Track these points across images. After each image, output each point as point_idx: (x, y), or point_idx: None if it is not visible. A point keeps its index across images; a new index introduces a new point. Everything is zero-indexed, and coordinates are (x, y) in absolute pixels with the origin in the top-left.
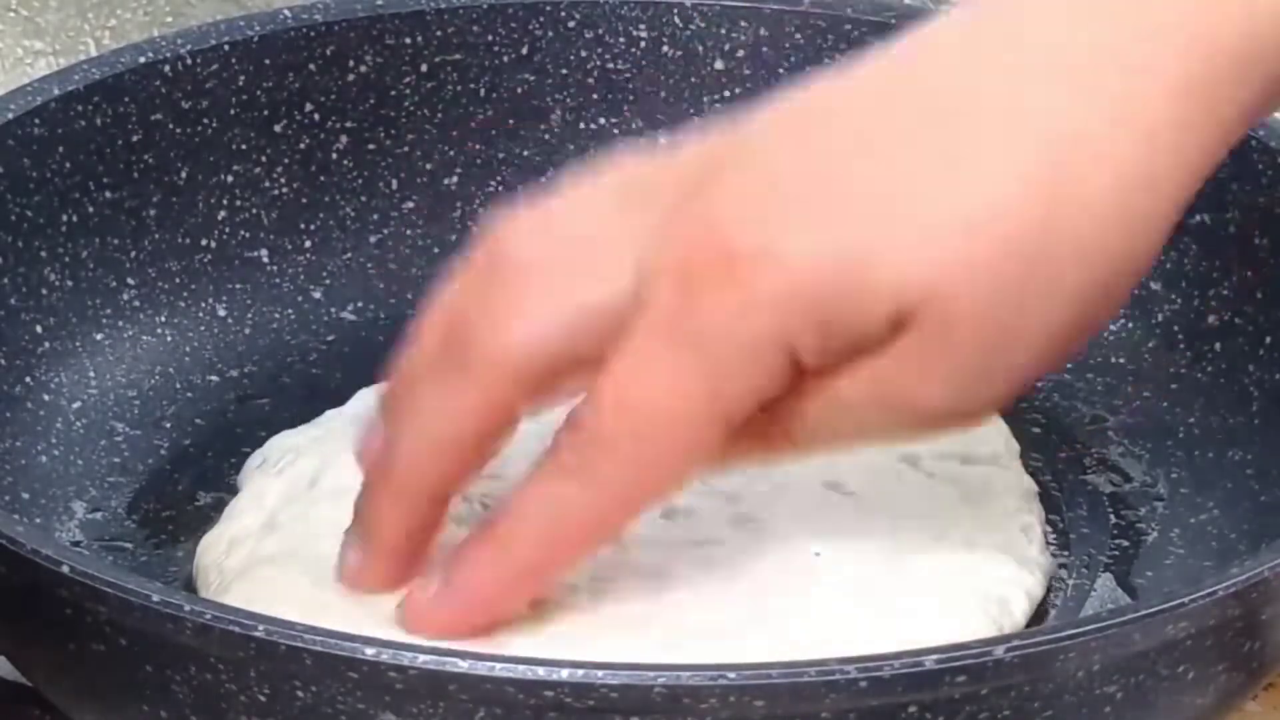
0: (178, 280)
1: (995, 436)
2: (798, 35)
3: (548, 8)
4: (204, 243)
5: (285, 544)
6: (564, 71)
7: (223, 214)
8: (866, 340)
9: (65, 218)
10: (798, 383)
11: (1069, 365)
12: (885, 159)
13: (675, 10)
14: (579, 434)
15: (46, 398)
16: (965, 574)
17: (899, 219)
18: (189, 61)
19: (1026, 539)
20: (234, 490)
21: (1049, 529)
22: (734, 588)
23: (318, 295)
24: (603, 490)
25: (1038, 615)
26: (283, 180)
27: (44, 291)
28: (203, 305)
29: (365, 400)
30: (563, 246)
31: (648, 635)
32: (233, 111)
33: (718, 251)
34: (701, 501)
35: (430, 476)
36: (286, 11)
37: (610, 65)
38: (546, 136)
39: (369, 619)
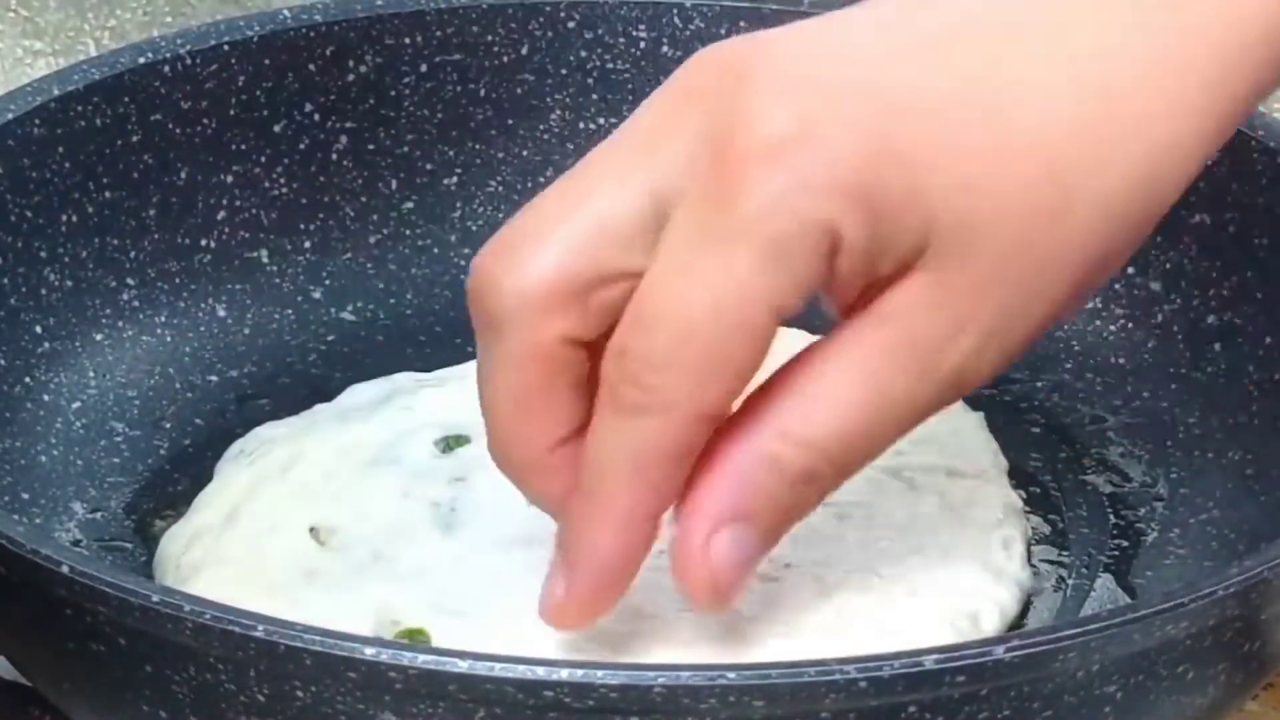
0: (178, 280)
1: (983, 452)
2: None
3: (547, 8)
4: (204, 243)
5: (242, 542)
6: (563, 71)
7: (223, 214)
8: (902, 249)
9: (65, 218)
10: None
11: (1069, 365)
12: (927, 68)
13: (675, 10)
14: (631, 362)
15: (46, 398)
16: (936, 586)
17: (941, 128)
18: (189, 61)
19: (1006, 553)
20: None
21: (1048, 530)
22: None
23: (318, 295)
24: (676, 412)
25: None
26: (283, 180)
27: (44, 291)
28: (203, 305)
29: (356, 395)
30: (570, 179)
31: (622, 652)
32: (233, 111)
33: (756, 138)
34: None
35: (526, 445)
36: (286, 11)
37: (610, 65)
38: (546, 136)
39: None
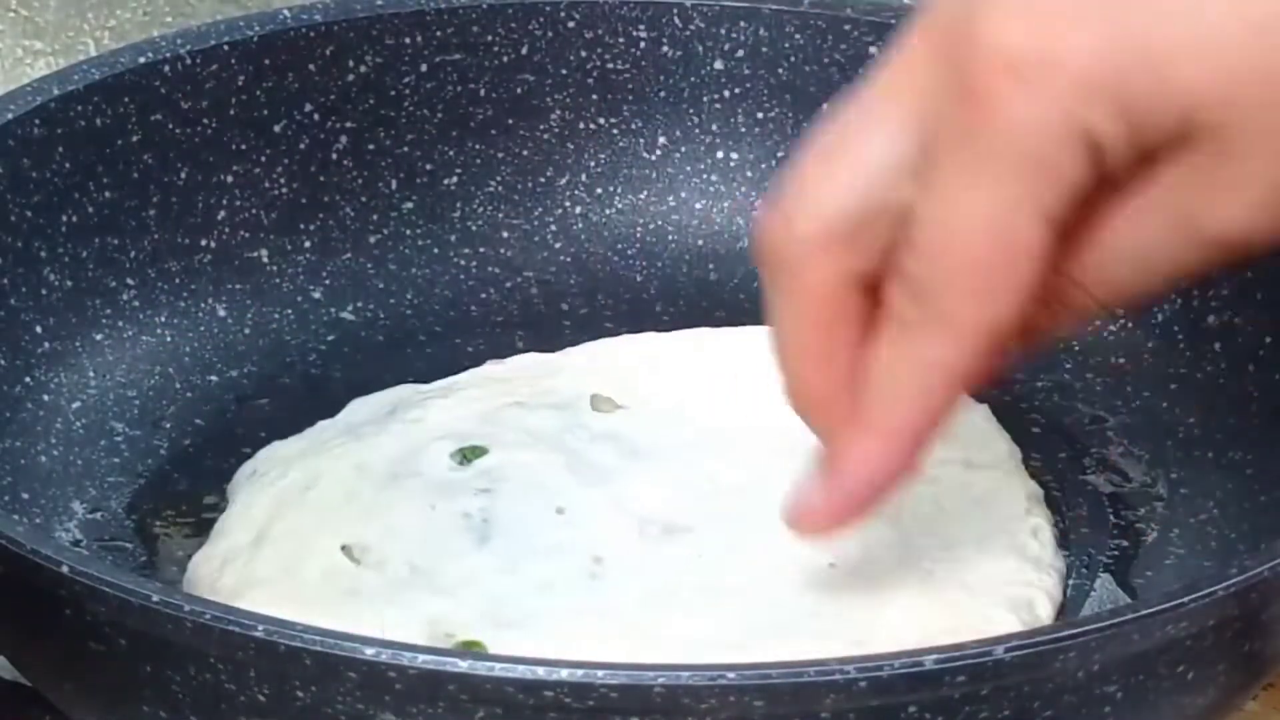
0: (178, 280)
1: (997, 441)
2: (797, 35)
3: (547, 8)
4: (204, 243)
5: (276, 563)
6: (563, 71)
7: (223, 214)
8: (1163, 138)
9: (65, 218)
10: (1097, 200)
11: (1069, 365)
12: None
13: (675, 10)
14: (911, 284)
15: (46, 398)
16: (987, 580)
17: (1189, 18)
18: (189, 61)
19: (1039, 542)
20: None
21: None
22: (750, 602)
23: (318, 295)
24: (958, 331)
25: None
26: (283, 180)
27: (44, 291)
28: (203, 305)
29: (357, 411)
30: (835, 128)
31: (662, 654)
32: (233, 111)
33: (998, 63)
34: (703, 519)
35: (818, 382)
36: (286, 11)
37: (610, 65)
38: (546, 136)
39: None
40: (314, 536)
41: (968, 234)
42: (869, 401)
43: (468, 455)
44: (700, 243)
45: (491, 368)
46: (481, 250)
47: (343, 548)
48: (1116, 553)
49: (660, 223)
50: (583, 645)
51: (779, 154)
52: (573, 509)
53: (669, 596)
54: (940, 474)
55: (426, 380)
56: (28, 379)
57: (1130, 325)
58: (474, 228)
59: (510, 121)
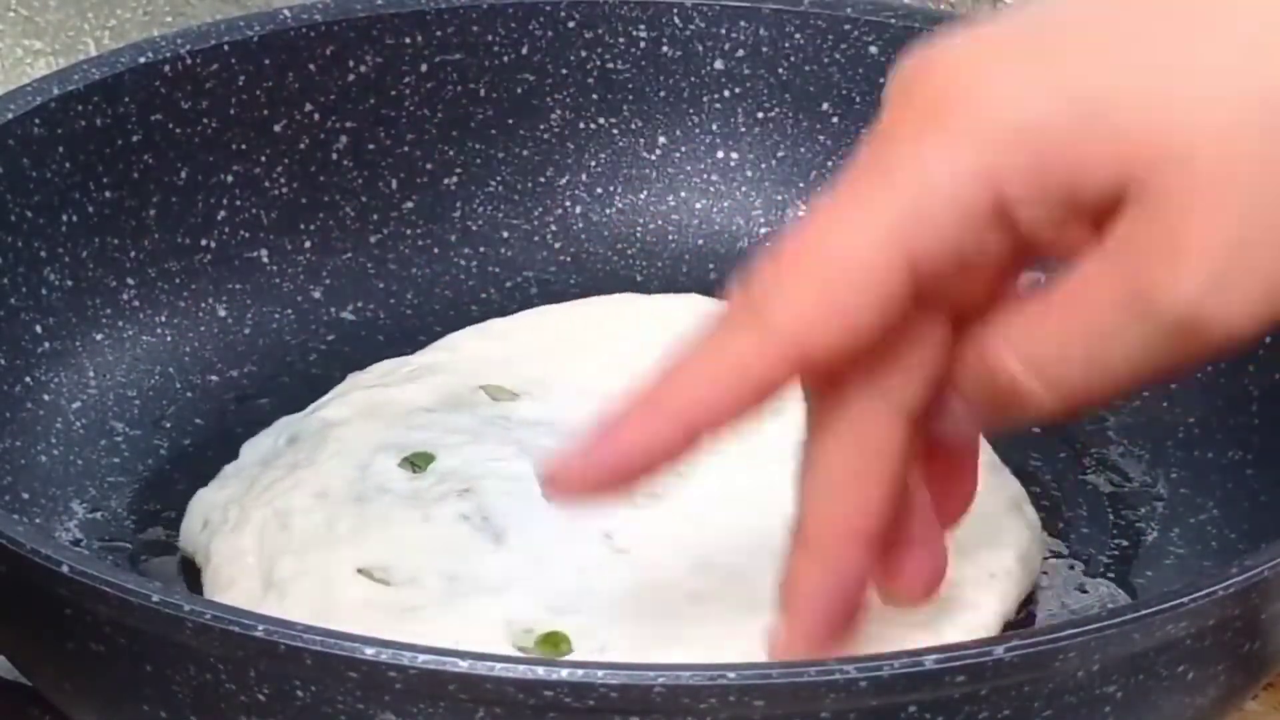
0: (178, 280)
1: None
2: (797, 35)
3: (548, 8)
4: (204, 243)
5: (306, 604)
6: (563, 71)
7: (223, 214)
8: (1100, 199)
9: (65, 218)
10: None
11: None
12: (1118, 25)
13: (675, 10)
14: (750, 288)
15: (46, 398)
16: (1010, 573)
17: (1131, 62)
18: (189, 61)
19: (1032, 534)
20: None
21: (1048, 530)
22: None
23: (318, 295)
24: (772, 335)
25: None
26: (283, 180)
27: (44, 291)
28: (203, 305)
29: (257, 448)
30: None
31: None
32: (233, 111)
33: (929, 94)
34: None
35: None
36: (286, 11)
37: (610, 65)
38: (546, 136)
39: None
40: (327, 568)
41: (819, 250)
42: (661, 379)
43: (417, 463)
44: (700, 243)
45: (358, 376)
46: (481, 250)
47: (359, 571)
48: (1116, 553)
49: (660, 223)
50: (656, 618)
51: (779, 154)
52: None
53: (699, 557)
54: None
55: None
56: (28, 379)
57: None
58: (474, 228)
59: (510, 121)
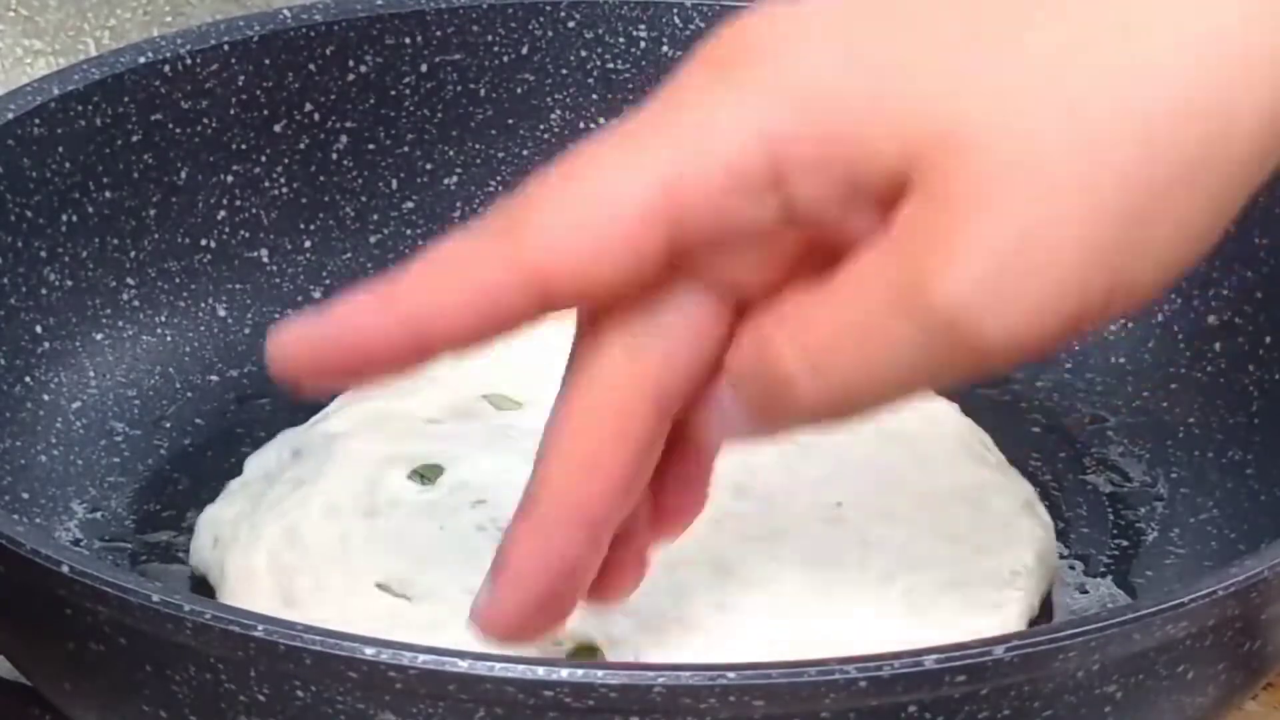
0: (178, 280)
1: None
2: None
3: (548, 8)
4: (204, 243)
5: (330, 610)
6: (564, 71)
7: (223, 214)
8: (871, 179)
9: (65, 218)
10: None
11: (1069, 365)
12: (947, 10)
13: (675, 10)
14: (512, 204)
15: (46, 398)
16: (1030, 574)
17: (944, 53)
18: (189, 61)
19: (1045, 534)
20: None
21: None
22: (762, 606)
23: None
24: (519, 253)
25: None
26: (283, 180)
27: (44, 291)
28: (203, 305)
29: (263, 461)
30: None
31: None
32: (233, 111)
33: (731, 51)
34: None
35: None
36: (286, 11)
37: (610, 65)
38: (546, 136)
39: None
40: (345, 584)
41: (582, 173)
42: (403, 275)
43: (426, 475)
44: None
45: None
46: None
47: (379, 586)
48: (1116, 553)
49: None
50: (683, 626)
51: None
52: None
53: (720, 551)
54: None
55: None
56: (28, 379)
57: (1130, 325)
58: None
59: (510, 121)
